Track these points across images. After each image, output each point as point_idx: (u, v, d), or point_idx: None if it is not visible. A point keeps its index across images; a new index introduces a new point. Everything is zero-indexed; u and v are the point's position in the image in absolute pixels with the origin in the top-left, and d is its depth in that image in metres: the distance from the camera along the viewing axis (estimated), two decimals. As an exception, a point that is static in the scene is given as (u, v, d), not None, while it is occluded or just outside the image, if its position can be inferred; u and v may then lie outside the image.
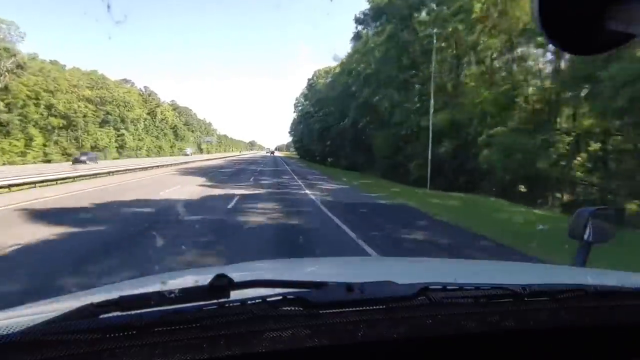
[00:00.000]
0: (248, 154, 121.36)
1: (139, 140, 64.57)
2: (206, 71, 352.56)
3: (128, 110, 60.54)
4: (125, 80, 76.62)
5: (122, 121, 58.85)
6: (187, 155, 70.11)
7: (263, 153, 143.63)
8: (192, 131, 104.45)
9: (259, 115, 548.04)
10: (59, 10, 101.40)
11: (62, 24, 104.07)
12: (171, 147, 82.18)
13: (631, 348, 0.80)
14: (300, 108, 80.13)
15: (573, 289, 0.78)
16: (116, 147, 57.38)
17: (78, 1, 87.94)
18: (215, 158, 63.88)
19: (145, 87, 76.69)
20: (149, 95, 76.96)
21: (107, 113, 54.03)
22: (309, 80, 64.28)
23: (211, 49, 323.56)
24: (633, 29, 0.46)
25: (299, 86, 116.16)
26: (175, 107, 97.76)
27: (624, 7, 0.45)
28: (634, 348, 0.79)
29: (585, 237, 1.31)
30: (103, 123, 54.12)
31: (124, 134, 58.54)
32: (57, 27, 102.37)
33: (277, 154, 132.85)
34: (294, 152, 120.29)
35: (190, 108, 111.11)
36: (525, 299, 0.75)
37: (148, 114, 73.47)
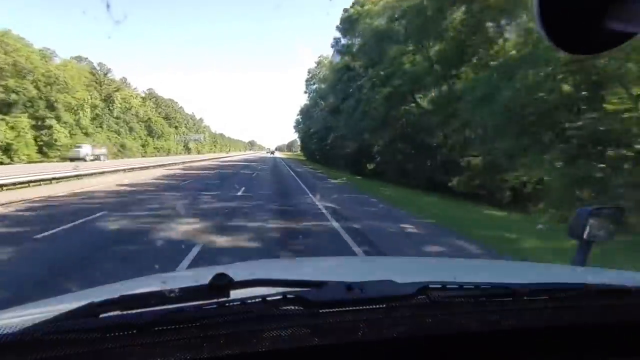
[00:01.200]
0: (240, 155, 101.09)
1: (85, 135, 46.89)
2: (204, 71, 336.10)
3: (60, 92, 39.41)
4: (80, 58, 54.77)
5: (50, 107, 37.68)
6: (80, 159, 33.83)
7: (262, 153, 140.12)
8: (176, 127, 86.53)
9: (259, 116, 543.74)
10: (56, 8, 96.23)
11: (59, 21, 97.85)
12: (143, 145, 63.34)
13: (631, 347, 0.82)
14: (314, 87, 53.59)
15: (573, 288, 0.82)
16: (39, 144, 37.11)
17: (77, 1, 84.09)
18: (168, 164, 36.64)
19: (99, 63, 54.81)
20: (105, 75, 54.77)
21: (12, 91, 33.11)
22: (345, 12, 31.74)
23: (210, 50, 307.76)
24: (632, 28, 0.47)
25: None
26: (151, 96, 79.26)
27: (623, 6, 0.46)
28: (634, 347, 0.82)
29: (585, 235, 1.35)
30: (7, 107, 33.14)
31: (52, 126, 37.28)
32: (53, 25, 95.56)
33: (277, 154, 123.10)
34: (299, 153, 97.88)
35: (175, 100, 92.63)
36: (525, 297, 0.78)
37: (103, 100, 51.58)
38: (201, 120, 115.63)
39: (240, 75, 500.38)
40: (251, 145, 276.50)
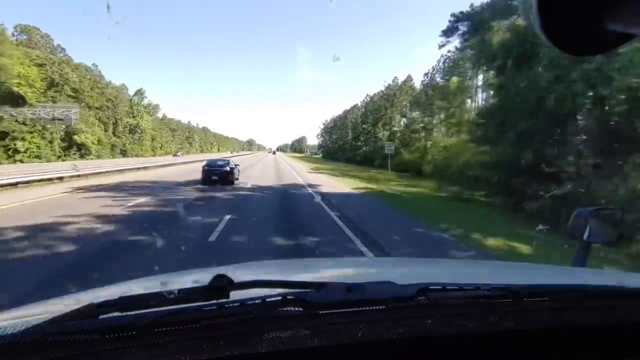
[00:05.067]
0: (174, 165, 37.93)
1: None
2: (203, 70, 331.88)
3: None
4: None
5: None
6: None
7: (263, 154, 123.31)
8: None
9: (259, 117, 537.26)
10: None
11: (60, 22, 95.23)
12: None
13: (631, 348, 0.83)
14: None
15: (573, 289, 0.82)
16: None
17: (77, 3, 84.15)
18: None
19: None
20: None
21: None
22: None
23: (210, 52, 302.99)
24: (633, 30, 0.48)
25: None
26: None
27: (623, 7, 0.46)
28: (634, 348, 0.83)
29: (585, 237, 1.34)
30: None
31: None
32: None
33: (279, 155, 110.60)
34: (311, 153, 69.88)
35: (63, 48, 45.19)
36: (525, 299, 0.79)
37: None
38: (141, 94, 60.80)
39: (240, 76, 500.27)
40: (249, 144, 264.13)
